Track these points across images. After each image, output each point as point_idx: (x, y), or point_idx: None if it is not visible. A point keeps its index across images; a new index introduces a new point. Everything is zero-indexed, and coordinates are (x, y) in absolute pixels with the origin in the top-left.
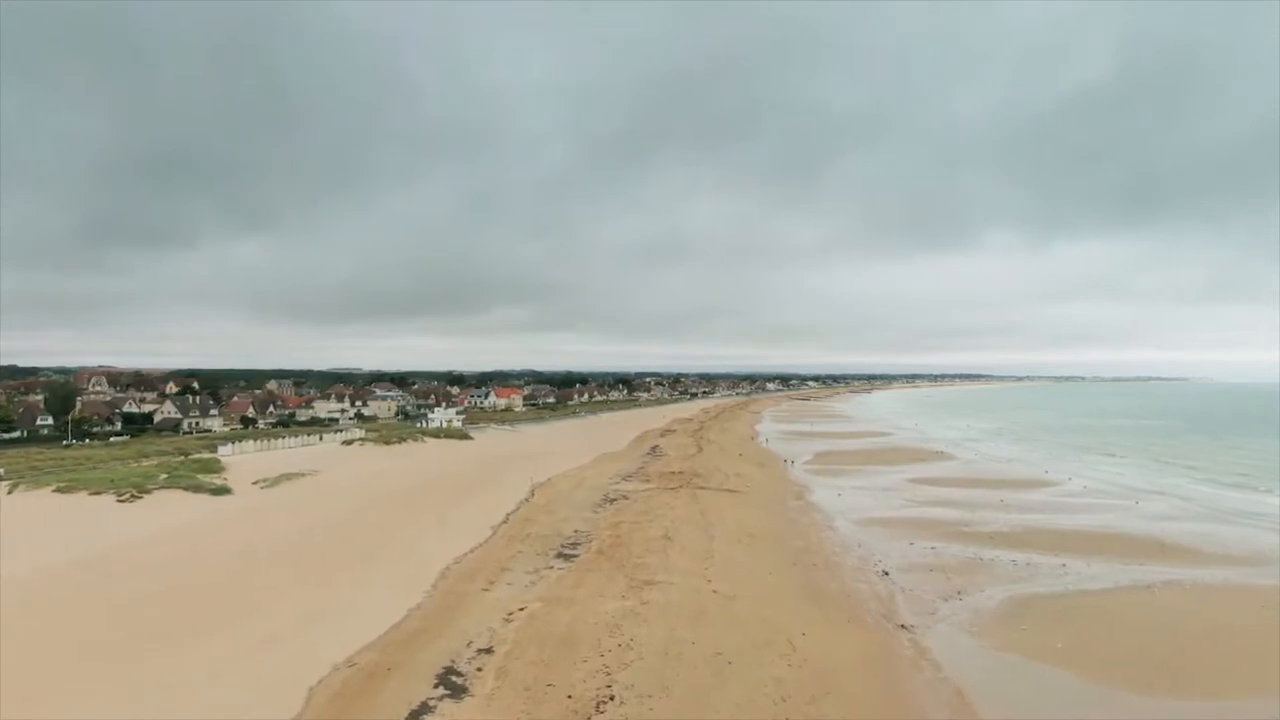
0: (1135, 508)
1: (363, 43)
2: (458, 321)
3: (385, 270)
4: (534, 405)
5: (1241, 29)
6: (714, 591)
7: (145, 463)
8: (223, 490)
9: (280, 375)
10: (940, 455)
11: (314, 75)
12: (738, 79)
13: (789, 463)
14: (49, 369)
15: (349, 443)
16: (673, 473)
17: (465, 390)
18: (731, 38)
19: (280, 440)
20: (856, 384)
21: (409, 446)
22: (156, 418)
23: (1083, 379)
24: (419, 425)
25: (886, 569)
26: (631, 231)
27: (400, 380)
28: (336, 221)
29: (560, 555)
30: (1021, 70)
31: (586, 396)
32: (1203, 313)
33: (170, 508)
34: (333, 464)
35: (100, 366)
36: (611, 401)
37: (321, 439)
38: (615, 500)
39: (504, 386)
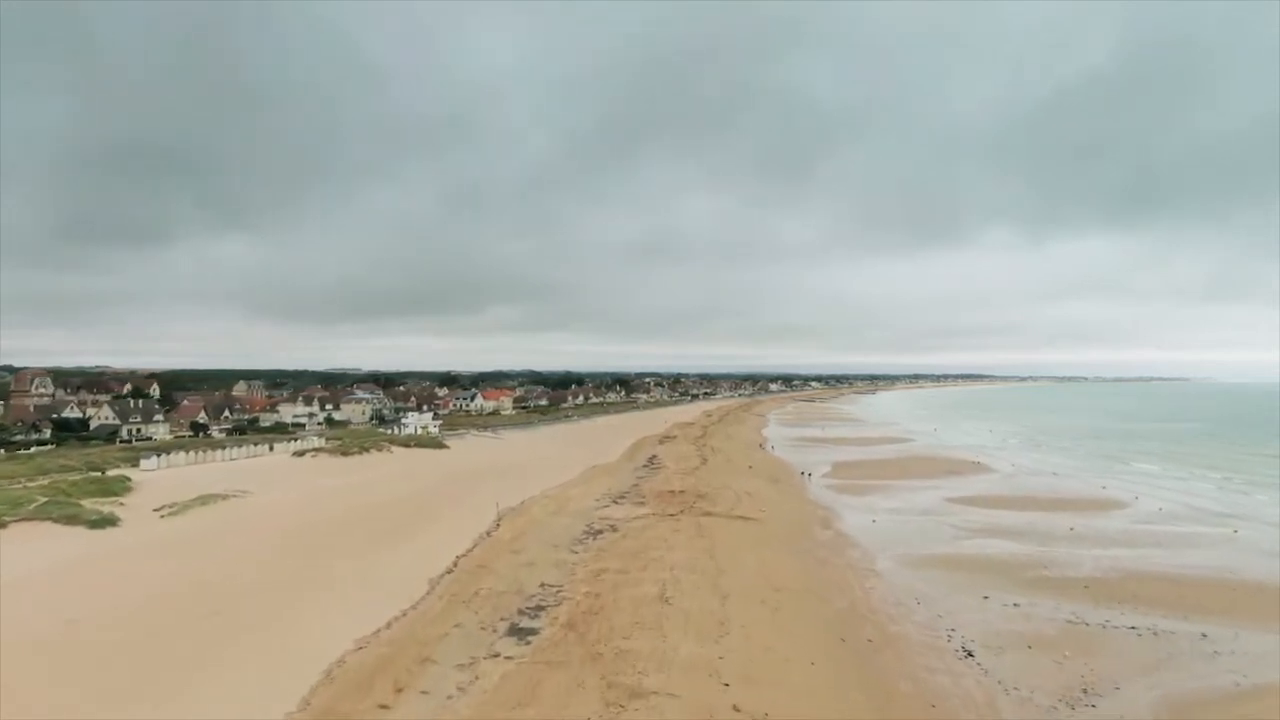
0: (1236, 539)
1: (335, 31)
2: (457, 321)
3: (385, 269)
4: (525, 408)
5: (1244, 21)
6: (735, 709)
7: (40, 480)
8: (105, 522)
9: (276, 375)
10: (976, 467)
11: (289, 68)
12: (730, 71)
13: (806, 476)
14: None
15: (301, 454)
16: (673, 492)
17: (452, 392)
18: (722, 28)
19: (223, 450)
20: (860, 384)
21: (370, 458)
22: (94, 423)
23: (1084, 379)
24: (390, 431)
25: (968, 645)
26: (630, 229)
27: (388, 381)
28: (328, 219)
29: (514, 631)
30: (1019, 62)
31: (582, 398)
32: (1203, 312)
33: (20, 549)
34: (271, 481)
35: (97, 367)
36: (608, 404)
37: (273, 448)
38: (601, 533)
39: (499, 387)
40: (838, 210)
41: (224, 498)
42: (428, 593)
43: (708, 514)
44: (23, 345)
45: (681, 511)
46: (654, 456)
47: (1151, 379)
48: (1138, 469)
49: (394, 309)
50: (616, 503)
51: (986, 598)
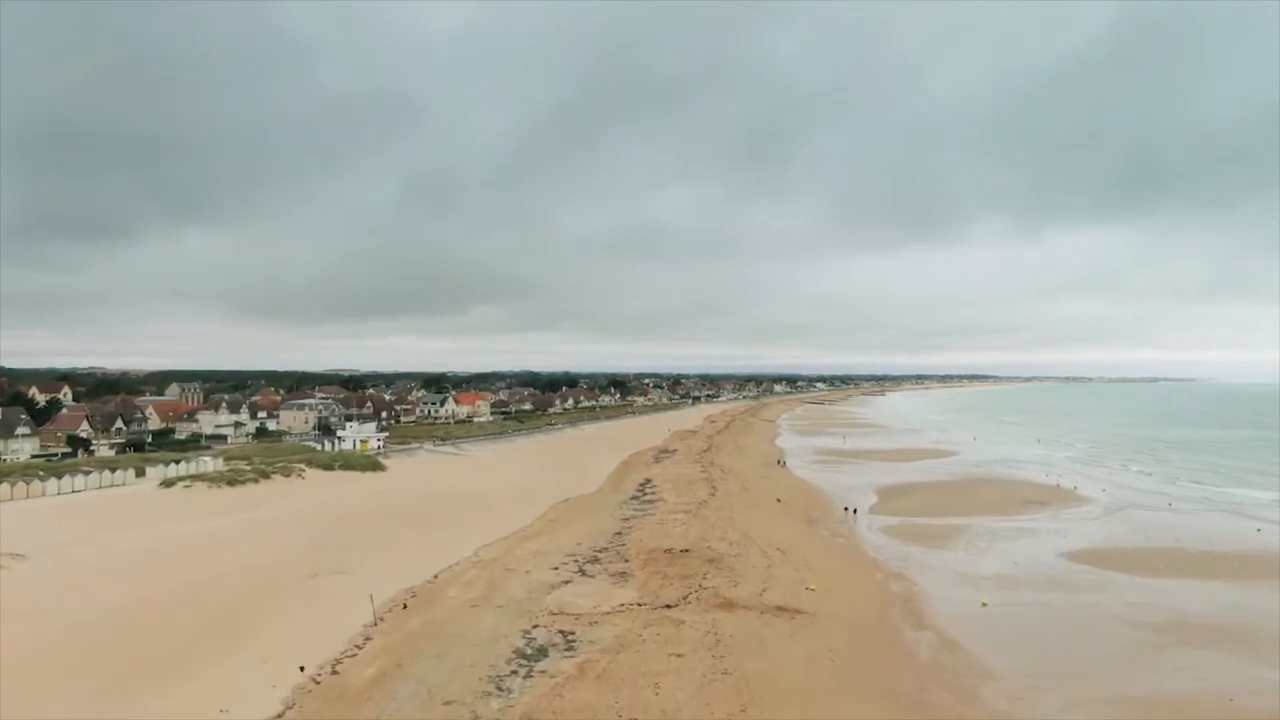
0: None
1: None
2: (453, 321)
3: (364, 266)
4: (505, 413)
5: (1242, 5)
6: None
7: None
8: None
9: (268, 376)
10: (1062, 495)
11: (195, 41)
12: (707, 48)
13: (850, 513)
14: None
15: (170, 484)
16: (670, 551)
17: (426, 394)
18: (707, 11)
19: (65, 480)
20: (866, 385)
21: (268, 488)
22: None
23: (1090, 379)
24: (320, 447)
25: None
26: (609, 222)
27: (358, 383)
28: (296, 212)
29: None
30: (1014, 45)
31: (571, 402)
32: (1204, 311)
33: None
34: (92, 531)
35: (92, 368)
36: (601, 408)
37: (143, 474)
38: (545, 654)
39: (484, 389)
40: (833, 206)
41: None
42: None
43: (727, 603)
44: (16, 346)
45: (685, 597)
46: (647, 482)
47: (1158, 379)
48: (1241, 495)
49: (393, 310)
50: (584, 572)
51: None
